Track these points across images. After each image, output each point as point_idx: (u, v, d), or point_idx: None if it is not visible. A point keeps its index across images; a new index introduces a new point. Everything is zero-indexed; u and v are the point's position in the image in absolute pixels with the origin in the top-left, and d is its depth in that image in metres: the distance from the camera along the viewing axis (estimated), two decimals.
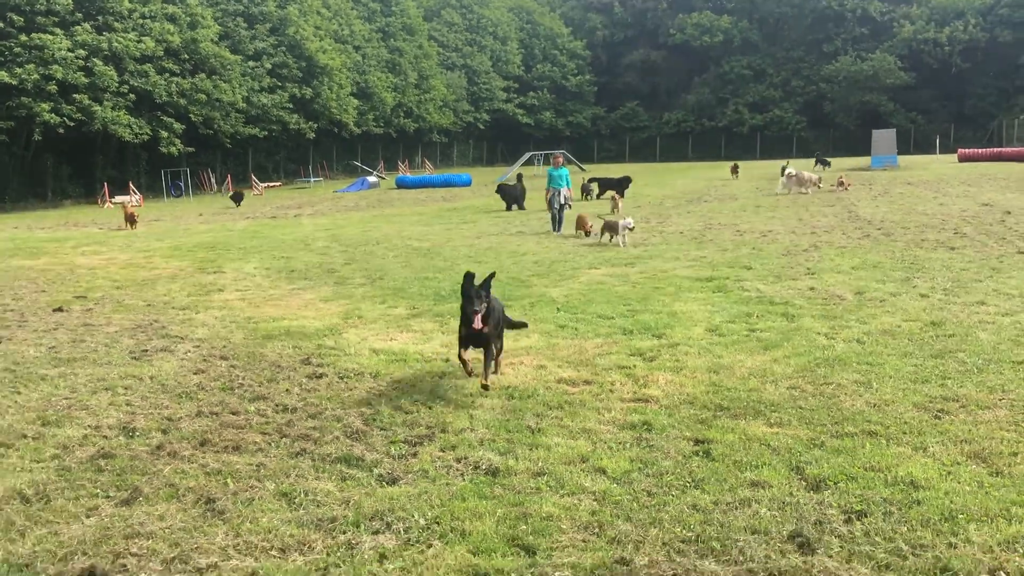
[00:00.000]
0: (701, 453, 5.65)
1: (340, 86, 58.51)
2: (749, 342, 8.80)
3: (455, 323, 10.34)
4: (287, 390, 7.56)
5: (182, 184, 46.29)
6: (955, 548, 4.24)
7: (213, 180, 51.16)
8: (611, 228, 17.74)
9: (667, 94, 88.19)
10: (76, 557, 4.34)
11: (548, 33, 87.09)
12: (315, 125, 57.79)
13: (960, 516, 4.58)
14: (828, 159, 49.31)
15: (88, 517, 4.85)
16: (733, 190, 32.46)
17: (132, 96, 42.62)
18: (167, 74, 45.13)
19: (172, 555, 4.33)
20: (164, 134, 44.59)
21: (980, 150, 52.49)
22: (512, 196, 28.88)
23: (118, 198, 40.80)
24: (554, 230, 20.70)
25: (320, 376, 8.01)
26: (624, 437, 6.03)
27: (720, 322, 9.76)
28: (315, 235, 22.31)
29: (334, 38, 60.15)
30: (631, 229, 17.44)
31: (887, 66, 74.97)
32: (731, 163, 46.65)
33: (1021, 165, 40.59)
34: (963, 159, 48.26)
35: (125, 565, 4.24)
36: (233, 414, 6.83)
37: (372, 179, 50.17)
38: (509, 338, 9.51)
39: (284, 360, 8.71)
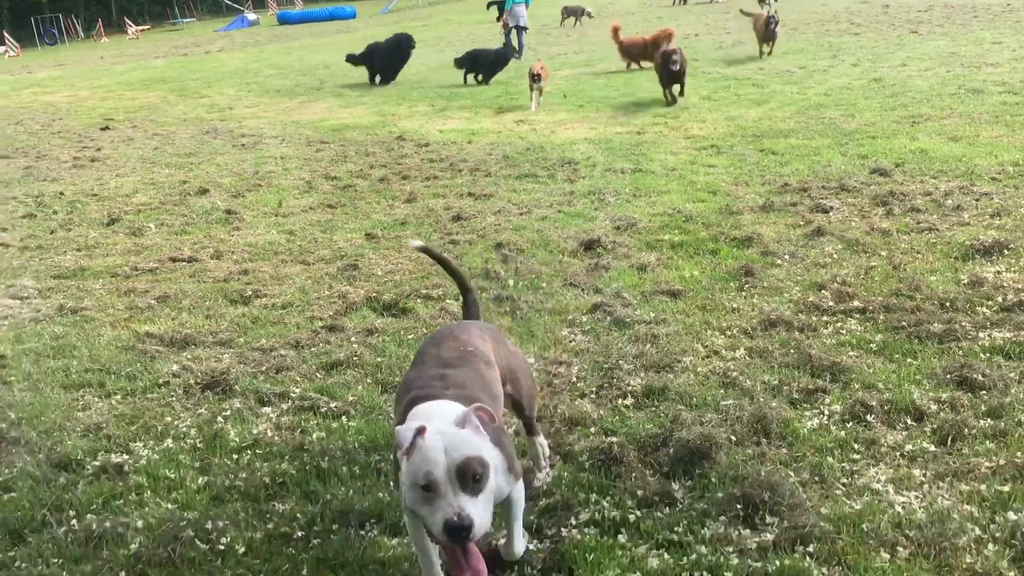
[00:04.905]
0: (769, 153, 8.05)
1: None
2: (742, 102, 11.18)
3: (485, 112, 12.32)
4: (413, 153, 9.45)
5: (55, 31, 44.31)
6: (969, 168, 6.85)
7: (79, 27, 48.93)
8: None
9: None
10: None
11: None
12: None
13: (958, 161, 7.17)
14: None
15: (379, 205, 6.88)
16: (619, 7, 34.20)
17: None
18: None
19: (454, 214, 6.46)
20: None
21: None
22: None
23: None
24: (519, 56, 18.51)
25: (426, 145, 9.88)
26: (708, 151, 8.36)
27: (708, 93, 12.07)
28: (250, 66, 22.81)
29: None
30: None
31: None
32: None
33: None
34: None
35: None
36: (397, 164, 8.75)
37: (252, 17, 49.15)
38: (546, 112, 11.64)
39: (380, 139, 10.51)
